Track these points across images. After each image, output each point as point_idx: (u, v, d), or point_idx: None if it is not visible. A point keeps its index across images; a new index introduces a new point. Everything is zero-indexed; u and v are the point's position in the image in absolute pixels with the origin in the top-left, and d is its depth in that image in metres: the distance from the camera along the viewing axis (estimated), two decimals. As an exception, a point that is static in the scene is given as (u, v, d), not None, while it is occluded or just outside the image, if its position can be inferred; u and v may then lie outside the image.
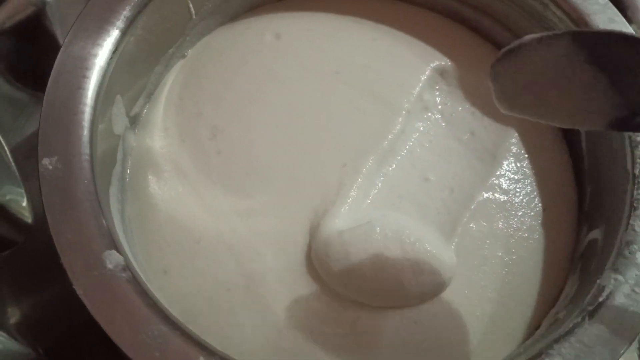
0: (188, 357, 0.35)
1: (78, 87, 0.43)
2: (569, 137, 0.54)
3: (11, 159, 0.58)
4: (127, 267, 0.38)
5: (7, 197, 0.57)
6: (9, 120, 0.59)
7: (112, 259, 0.38)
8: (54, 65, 0.44)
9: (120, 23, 0.46)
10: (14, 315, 0.55)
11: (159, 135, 0.51)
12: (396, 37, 0.57)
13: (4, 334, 0.52)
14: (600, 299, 0.40)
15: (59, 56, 0.44)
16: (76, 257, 0.37)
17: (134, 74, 0.50)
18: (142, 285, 0.38)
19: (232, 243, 0.47)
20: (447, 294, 0.46)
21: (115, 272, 0.37)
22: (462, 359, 0.45)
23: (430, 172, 0.50)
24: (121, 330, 0.36)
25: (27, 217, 0.58)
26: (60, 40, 0.61)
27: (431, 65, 0.55)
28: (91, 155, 0.41)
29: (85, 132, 0.42)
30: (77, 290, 0.37)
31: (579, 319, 0.39)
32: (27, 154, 0.60)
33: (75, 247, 0.38)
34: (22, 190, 0.59)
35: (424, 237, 0.46)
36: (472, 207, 0.49)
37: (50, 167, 0.40)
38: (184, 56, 0.56)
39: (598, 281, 0.41)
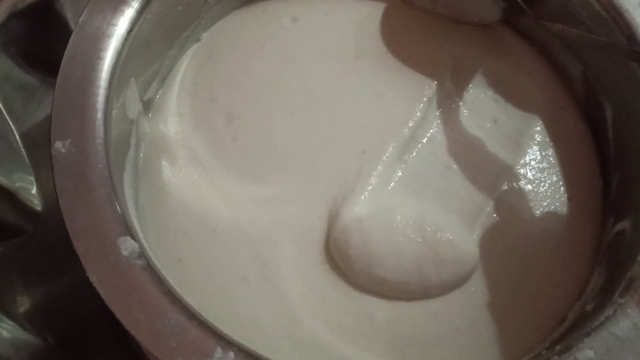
0: (206, 348, 0.34)
1: (92, 68, 0.42)
2: (595, 125, 0.52)
3: (21, 146, 0.57)
4: (142, 254, 0.37)
5: (17, 184, 0.56)
6: (20, 106, 0.58)
7: (127, 245, 0.36)
8: (67, 46, 0.42)
9: (135, 3, 0.44)
10: (23, 304, 0.54)
11: (173, 121, 0.50)
12: (417, 22, 0.55)
13: (13, 323, 0.51)
14: (632, 291, 0.38)
15: (72, 36, 0.42)
16: (90, 243, 0.36)
17: (148, 57, 0.49)
18: (158, 273, 0.37)
19: (248, 231, 0.46)
20: (470, 285, 0.45)
21: (131, 259, 0.36)
22: (484, 352, 0.43)
23: (452, 160, 0.49)
24: (137, 320, 0.35)
25: (37, 204, 0.57)
26: (72, 24, 0.60)
27: (454, 51, 0.53)
28: (105, 139, 0.40)
29: (100, 115, 0.40)
30: (90, 277, 0.35)
31: (611, 312, 0.38)
32: (38, 141, 0.59)
33: (89, 233, 0.37)
34: (32, 178, 0.58)
35: (446, 226, 0.45)
36: (496, 196, 0.48)
37: (64, 151, 0.39)
38: (198, 40, 0.54)
39: (629, 273, 0.40)
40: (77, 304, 0.56)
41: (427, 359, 0.43)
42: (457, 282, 0.45)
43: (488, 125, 0.51)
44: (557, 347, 0.37)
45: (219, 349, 0.34)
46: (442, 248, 0.44)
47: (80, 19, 0.43)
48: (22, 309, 0.54)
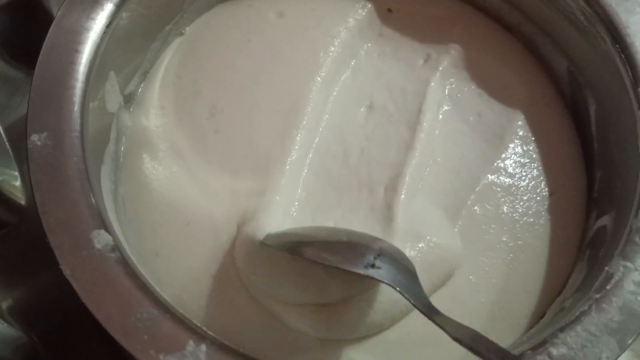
0: (178, 341, 0.34)
1: (70, 61, 0.42)
2: (579, 121, 0.52)
3: (5, 139, 0.57)
4: (117, 247, 0.37)
5: (1, 178, 0.56)
6: (4, 99, 0.58)
7: (100, 238, 0.36)
8: (46, 39, 0.42)
9: (114, -5, 0.44)
10: (5, 300, 0.54)
11: (154, 114, 0.50)
12: (402, 17, 0.55)
13: (-6, 316, 0.51)
14: (608, 287, 0.38)
15: (51, 29, 0.42)
16: (64, 237, 0.36)
17: (129, 50, 0.48)
18: (132, 266, 0.37)
19: (221, 226, 0.46)
20: (452, 280, 0.45)
21: (104, 252, 0.36)
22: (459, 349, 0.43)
23: (437, 153, 0.49)
24: (109, 313, 0.35)
25: (20, 198, 0.57)
26: (56, 17, 0.59)
27: (437, 45, 0.53)
28: (82, 132, 0.40)
29: (76, 108, 0.40)
30: (64, 270, 0.35)
31: (586, 307, 0.37)
32: (22, 134, 0.58)
33: (63, 226, 0.37)
34: (16, 172, 0.57)
35: (427, 228, 0.45)
36: (477, 189, 0.48)
37: (39, 144, 0.39)
38: (181, 34, 0.54)
39: (606, 268, 0.39)
40: (61, 299, 0.56)
41: (412, 357, 0.43)
42: (443, 281, 0.45)
43: (472, 118, 0.51)
44: (531, 342, 0.37)
45: (191, 342, 0.34)
46: (427, 253, 0.44)
47: (59, 12, 0.43)
48: (4, 304, 0.54)
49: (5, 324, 0.51)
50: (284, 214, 0.45)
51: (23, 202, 0.57)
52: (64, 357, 0.55)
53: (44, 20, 0.59)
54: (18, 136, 0.58)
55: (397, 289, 0.36)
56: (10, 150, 0.57)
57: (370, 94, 0.51)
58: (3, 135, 0.57)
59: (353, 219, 0.46)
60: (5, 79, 0.58)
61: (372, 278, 0.36)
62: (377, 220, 0.45)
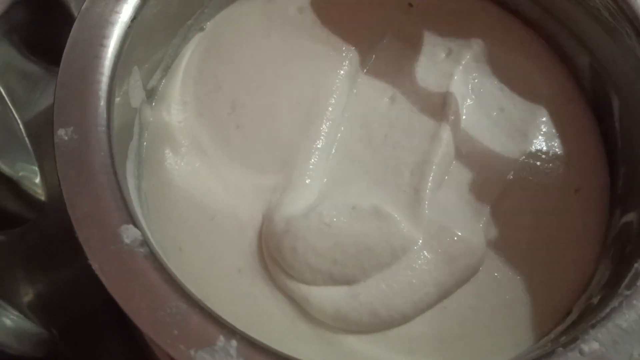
0: (208, 336, 0.34)
1: (95, 55, 0.41)
2: (602, 117, 0.52)
3: (25, 135, 0.57)
4: (145, 242, 0.36)
5: (21, 174, 0.56)
6: (23, 95, 0.58)
7: (129, 233, 0.36)
8: (70, 33, 0.42)
9: (138, -10, 0.44)
10: (26, 294, 0.54)
11: (176, 109, 0.50)
12: (422, 12, 0.55)
13: (17, 313, 0.51)
14: (639, 283, 0.38)
15: (75, 23, 0.42)
16: (92, 231, 0.36)
17: (152, 45, 0.48)
18: (160, 261, 0.36)
19: (245, 220, 0.46)
20: (476, 277, 0.45)
21: (133, 247, 0.36)
22: (490, 344, 0.43)
23: (462, 147, 0.49)
24: (139, 307, 0.34)
25: (40, 194, 0.57)
26: (75, 12, 0.59)
27: (458, 40, 0.53)
28: (108, 127, 0.40)
29: (102, 102, 0.40)
30: (92, 265, 0.35)
31: (616, 304, 0.37)
32: (41, 130, 0.59)
33: (91, 221, 0.36)
34: (36, 167, 0.58)
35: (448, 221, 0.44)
36: (501, 186, 0.48)
37: (66, 138, 0.38)
38: (202, 29, 0.54)
39: (636, 265, 0.39)
40: (80, 294, 0.56)
41: (437, 353, 0.43)
42: (467, 276, 0.45)
43: (494, 113, 0.51)
44: (563, 339, 0.37)
45: (221, 337, 0.34)
46: (450, 246, 0.44)
47: (83, 6, 0.43)
48: (25, 299, 0.54)
49: (26, 319, 0.51)
50: (311, 194, 0.46)
51: (43, 198, 0.57)
52: (82, 351, 0.55)
53: (61, 15, 0.59)
54: (37, 132, 0.59)
55: None
56: (30, 146, 0.57)
57: (393, 85, 0.51)
58: (23, 131, 0.57)
59: (378, 190, 0.46)
60: (23, 74, 0.58)
61: None
62: (404, 200, 0.45)
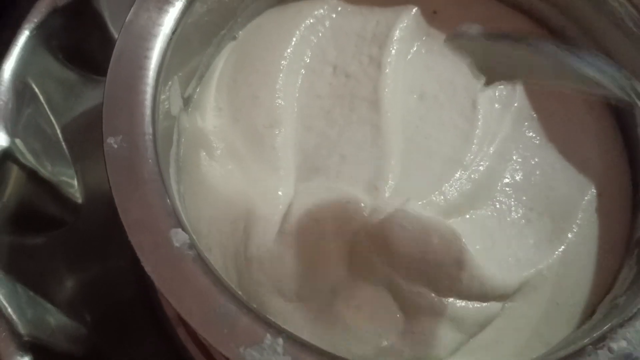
0: (256, 335, 0.36)
1: (140, 67, 0.43)
2: (623, 121, 0.53)
3: (62, 139, 0.59)
4: (193, 245, 0.38)
5: (59, 178, 0.58)
6: (60, 101, 0.60)
7: (178, 237, 0.38)
8: (116, 45, 0.44)
9: (178, 2, 0.46)
10: (66, 293, 0.56)
11: (211, 115, 0.51)
12: (447, 18, 0.56)
13: (60, 312, 0.53)
14: (665, 284, 0.40)
15: (120, 36, 0.44)
16: (144, 236, 0.38)
17: (189, 55, 0.50)
18: (208, 263, 0.38)
19: (275, 228, 0.46)
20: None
21: (182, 250, 0.38)
22: (522, 343, 0.45)
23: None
24: (190, 308, 0.36)
25: (78, 197, 0.59)
26: (109, 22, 0.61)
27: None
28: (154, 135, 0.41)
29: (148, 111, 0.42)
30: (145, 267, 0.37)
31: (642, 304, 0.39)
32: (77, 135, 0.61)
33: (142, 226, 0.38)
34: (73, 171, 0.59)
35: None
36: (527, 190, 0.49)
37: (115, 146, 0.40)
38: (234, 38, 0.56)
39: (661, 266, 0.41)
40: (114, 291, 0.58)
41: (469, 353, 0.44)
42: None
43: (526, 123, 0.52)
44: (589, 339, 0.38)
45: (268, 336, 0.36)
46: None
47: (127, 19, 0.45)
48: (65, 297, 0.56)
49: (68, 318, 0.53)
50: None
51: (80, 201, 0.59)
52: (117, 345, 0.57)
53: (94, 22, 0.61)
54: (72, 136, 0.61)
55: None
56: (67, 151, 0.59)
57: (421, 85, 0.53)
58: (60, 137, 0.59)
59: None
60: (60, 80, 0.60)
61: None
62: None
